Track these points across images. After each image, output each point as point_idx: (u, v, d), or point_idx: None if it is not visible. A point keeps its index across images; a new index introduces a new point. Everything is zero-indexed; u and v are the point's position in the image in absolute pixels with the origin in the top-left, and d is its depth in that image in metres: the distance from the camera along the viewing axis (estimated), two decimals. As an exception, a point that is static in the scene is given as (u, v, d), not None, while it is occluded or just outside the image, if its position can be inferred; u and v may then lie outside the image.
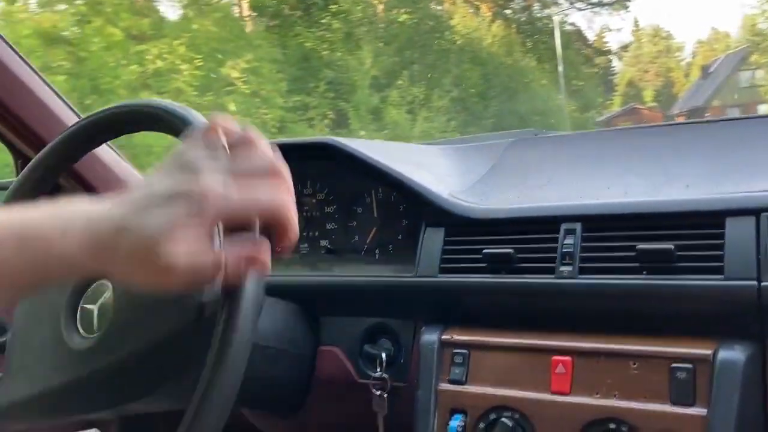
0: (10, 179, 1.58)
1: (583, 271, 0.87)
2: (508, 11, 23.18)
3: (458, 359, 0.94)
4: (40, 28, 9.27)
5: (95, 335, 0.81)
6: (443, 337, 0.96)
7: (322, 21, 14.74)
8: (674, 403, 0.78)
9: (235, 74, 11.10)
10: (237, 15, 12.08)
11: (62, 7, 9.63)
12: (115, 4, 10.11)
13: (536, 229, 0.93)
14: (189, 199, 0.53)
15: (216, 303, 0.72)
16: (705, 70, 32.10)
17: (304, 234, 1.23)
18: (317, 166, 1.21)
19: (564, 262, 0.89)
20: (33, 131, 1.29)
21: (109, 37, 9.72)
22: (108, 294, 0.83)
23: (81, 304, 0.85)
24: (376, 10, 15.94)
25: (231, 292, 0.63)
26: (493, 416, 0.89)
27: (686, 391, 0.78)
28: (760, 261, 0.78)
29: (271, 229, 0.58)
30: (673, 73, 40.04)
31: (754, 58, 30.25)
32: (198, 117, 0.81)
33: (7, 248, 0.57)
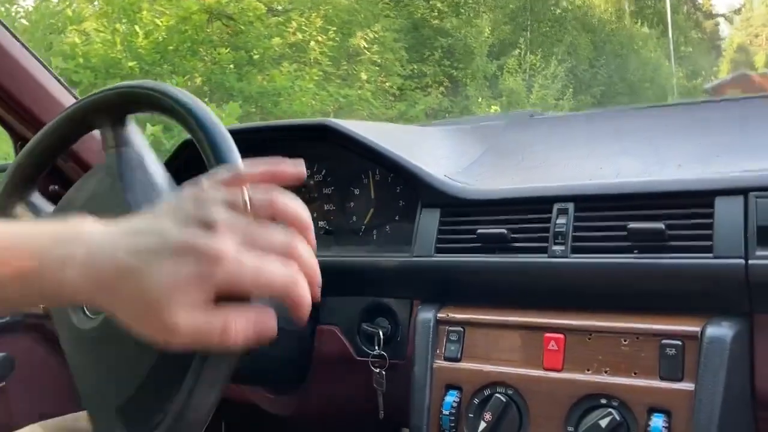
0: (9, 162, 1.59)
1: (575, 250, 0.89)
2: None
3: (453, 337, 0.96)
4: (205, 4, 9.62)
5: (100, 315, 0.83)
6: (439, 315, 0.98)
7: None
8: (663, 378, 0.80)
9: (363, 44, 11.57)
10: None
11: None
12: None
13: (529, 209, 0.95)
14: (200, 257, 0.50)
15: None
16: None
17: (302, 215, 1.24)
18: (315, 147, 1.22)
19: (557, 241, 0.90)
20: (31, 113, 1.30)
21: (255, 11, 10.01)
22: None
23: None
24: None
25: None
26: (487, 392, 0.91)
27: (675, 366, 0.80)
28: (747, 239, 0.79)
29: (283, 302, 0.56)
30: (787, 36, 38.52)
31: None
32: (198, 103, 0.82)
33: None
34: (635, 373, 0.82)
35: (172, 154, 1.27)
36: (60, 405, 1.18)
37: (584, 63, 16.93)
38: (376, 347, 1.06)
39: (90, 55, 8.35)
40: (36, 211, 0.97)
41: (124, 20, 9.12)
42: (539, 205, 0.94)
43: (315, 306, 1.17)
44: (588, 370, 0.85)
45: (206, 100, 8.77)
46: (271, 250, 0.53)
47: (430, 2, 14.62)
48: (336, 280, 1.10)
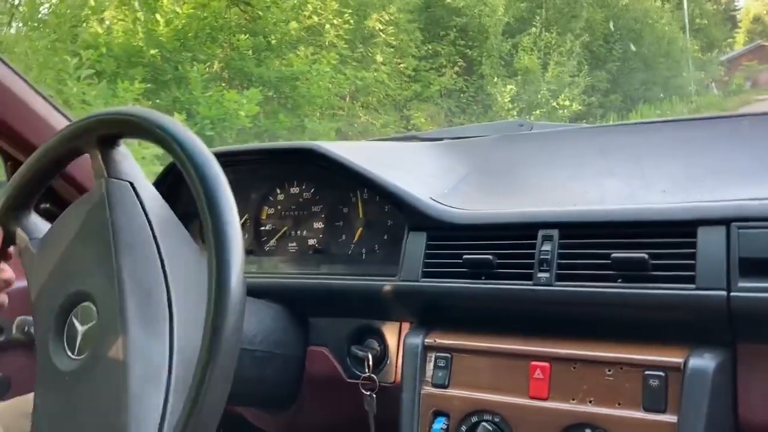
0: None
1: (560, 278, 0.89)
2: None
3: (441, 363, 0.97)
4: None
5: (82, 357, 0.83)
6: (426, 340, 0.99)
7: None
8: (647, 409, 0.81)
9: (378, 26, 11.35)
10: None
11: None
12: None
13: (515, 235, 0.95)
14: None
15: None
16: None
17: (292, 233, 1.24)
18: (304, 166, 1.22)
19: (542, 268, 0.91)
20: (21, 136, 1.30)
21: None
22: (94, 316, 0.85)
23: (68, 324, 0.86)
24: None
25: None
26: (474, 419, 0.92)
27: (658, 398, 0.81)
28: (729, 270, 0.79)
29: None
30: (805, 5, 36.94)
31: None
32: (178, 126, 0.82)
33: None
34: (619, 404, 0.83)
35: (161, 175, 1.27)
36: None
37: (599, 39, 16.63)
38: (366, 370, 1.06)
39: (112, 44, 8.35)
40: (31, 232, 0.97)
41: (144, 8, 9.07)
42: (524, 230, 0.94)
43: (305, 326, 1.18)
44: (573, 400, 0.86)
45: (226, 86, 8.75)
46: None
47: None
48: (325, 302, 1.12)
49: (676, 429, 0.78)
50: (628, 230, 0.87)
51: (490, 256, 0.94)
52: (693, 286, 0.81)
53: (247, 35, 9.53)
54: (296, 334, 1.13)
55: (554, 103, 13.61)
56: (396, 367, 1.04)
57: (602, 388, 0.84)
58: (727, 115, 1.14)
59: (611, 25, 16.89)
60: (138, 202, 0.87)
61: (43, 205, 1.43)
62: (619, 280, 0.86)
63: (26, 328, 1.31)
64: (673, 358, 0.81)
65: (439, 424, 0.94)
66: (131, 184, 0.88)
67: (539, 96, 13.65)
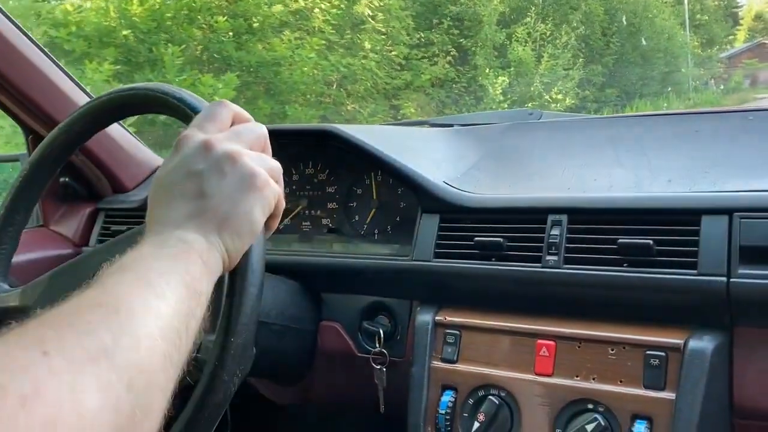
0: (16, 152, 1.63)
1: (567, 261, 0.93)
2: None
3: (450, 339, 1.01)
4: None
5: None
6: (437, 318, 1.03)
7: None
8: (647, 387, 0.85)
9: (368, 12, 11.16)
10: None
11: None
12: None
13: (525, 219, 0.99)
14: (254, 179, 0.62)
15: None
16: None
17: (307, 213, 1.28)
18: (321, 148, 1.25)
19: (550, 251, 0.95)
20: (42, 109, 1.33)
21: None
22: None
23: None
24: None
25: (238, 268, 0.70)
26: (481, 393, 0.96)
27: (658, 376, 0.85)
28: (730, 258, 0.83)
29: None
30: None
31: None
32: (204, 102, 0.86)
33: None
34: (621, 381, 0.87)
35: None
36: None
37: (597, 32, 16.46)
38: (377, 345, 1.11)
39: (83, 23, 8.08)
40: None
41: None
42: (534, 215, 0.98)
43: (318, 301, 1.22)
44: (577, 377, 0.90)
45: (205, 69, 8.48)
46: (263, 148, 0.67)
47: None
48: (338, 279, 1.16)
49: (674, 405, 0.83)
50: (635, 217, 0.91)
51: (500, 239, 0.98)
52: (695, 271, 0.85)
53: (227, 17, 9.15)
54: (309, 310, 1.17)
55: (547, 97, 13.40)
56: (406, 342, 1.08)
57: (605, 366, 0.89)
58: (733, 110, 1.18)
59: (623, 19, 16.56)
60: None
61: (62, 179, 1.47)
62: (625, 265, 0.90)
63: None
64: (674, 339, 0.86)
65: (448, 397, 0.98)
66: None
67: (532, 89, 13.39)
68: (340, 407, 1.32)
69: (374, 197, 1.22)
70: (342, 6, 10.74)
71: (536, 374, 0.93)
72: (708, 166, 0.98)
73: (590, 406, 0.88)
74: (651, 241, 0.88)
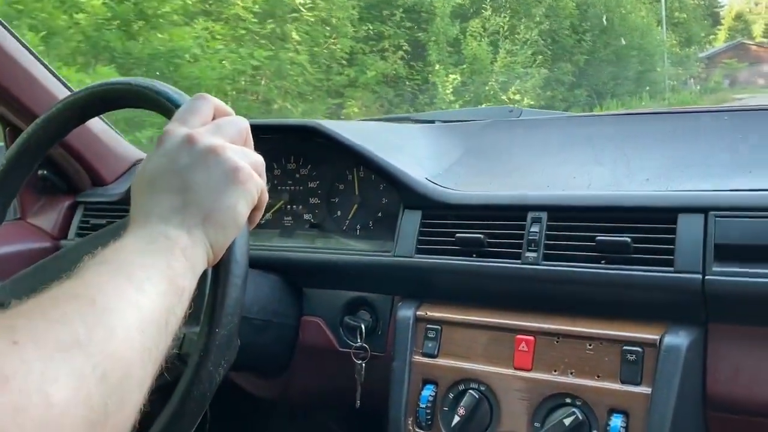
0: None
1: (547, 257, 0.95)
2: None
3: (431, 334, 1.02)
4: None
5: None
6: (418, 313, 1.04)
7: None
8: (623, 382, 0.87)
9: (299, 0, 9.81)
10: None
11: None
12: None
13: (505, 216, 1.00)
14: (237, 173, 0.62)
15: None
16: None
17: (288, 208, 1.29)
18: (303, 143, 1.26)
19: (530, 248, 0.96)
20: (22, 102, 1.32)
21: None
22: None
23: None
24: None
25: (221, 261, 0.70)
26: (461, 387, 0.97)
27: (635, 371, 0.87)
28: (705, 255, 0.85)
29: None
30: (787, 5, 34.70)
31: None
32: (185, 96, 0.86)
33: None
34: (598, 376, 0.89)
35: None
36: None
37: (566, 28, 15.29)
38: (359, 340, 1.12)
39: None
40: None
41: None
42: (514, 212, 0.99)
43: (300, 296, 1.22)
44: (555, 371, 0.92)
45: (91, 61, 6.95)
46: (245, 141, 0.67)
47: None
48: (320, 274, 1.17)
49: (650, 400, 0.85)
50: (613, 215, 0.93)
51: (481, 235, 1.00)
52: (671, 269, 0.87)
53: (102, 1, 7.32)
54: (291, 304, 1.18)
55: (504, 97, 12.30)
56: (387, 337, 1.09)
57: (583, 361, 0.90)
58: (709, 110, 1.20)
59: (603, 19, 15.60)
60: None
61: (40, 172, 1.45)
62: (603, 262, 0.91)
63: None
64: (650, 335, 0.87)
65: (428, 391, 0.99)
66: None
67: (487, 88, 12.34)
68: (321, 401, 1.33)
69: (356, 193, 1.22)
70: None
71: (515, 369, 0.94)
72: (685, 166, 1.00)
73: (568, 400, 0.90)
74: (628, 239, 0.90)
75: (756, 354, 0.84)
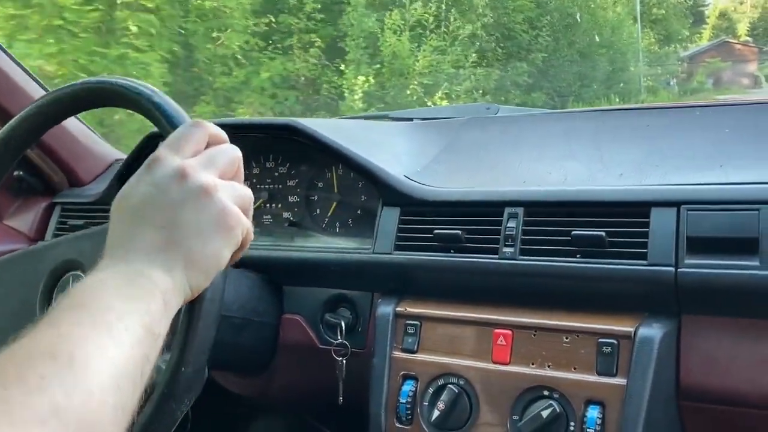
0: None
1: (523, 252, 0.96)
2: None
3: (410, 330, 1.03)
4: None
5: None
6: (397, 309, 1.05)
7: None
8: (599, 373, 0.89)
9: None
10: None
11: None
12: None
13: (482, 212, 1.01)
14: (226, 217, 0.61)
15: None
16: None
17: (267, 206, 1.29)
18: (281, 141, 1.26)
19: (507, 243, 0.97)
20: (-3, 103, 1.31)
21: None
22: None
23: (55, 296, 0.90)
24: None
25: None
26: (440, 382, 0.98)
27: (610, 363, 0.88)
28: (678, 248, 0.87)
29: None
30: (772, 3, 33.66)
31: None
32: (165, 98, 0.85)
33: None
34: (575, 368, 0.90)
35: (139, 146, 1.30)
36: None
37: (520, 22, 13.10)
38: (339, 337, 1.12)
39: None
40: None
41: None
42: (491, 208, 1.00)
43: (280, 295, 1.23)
44: (533, 364, 0.93)
45: None
46: (235, 176, 0.66)
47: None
48: (300, 272, 1.17)
49: (625, 391, 0.86)
50: (588, 209, 0.94)
51: (459, 231, 1.01)
52: (645, 262, 0.88)
53: None
54: (271, 303, 1.18)
55: (429, 103, 9.99)
56: (368, 334, 1.10)
57: (559, 354, 0.92)
58: (682, 105, 1.22)
59: (577, 17, 13.78)
60: None
61: (16, 173, 1.44)
62: (578, 256, 0.93)
63: None
64: (625, 327, 0.89)
65: (408, 386, 1.00)
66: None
67: (408, 91, 10.16)
68: (303, 399, 1.34)
69: (335, 191, 1.23)
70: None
71: (494, 362, 0.96)
72: (658, 160, 1.02)
73: (546, 392, 0.91)
74: (603, 233, 0.91)
75: (727, 344, 0.86)
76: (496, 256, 0.98)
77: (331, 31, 10.28)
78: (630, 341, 0.88)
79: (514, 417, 0.92)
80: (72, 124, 1.41)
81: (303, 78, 9.88)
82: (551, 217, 0.96)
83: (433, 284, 1.05)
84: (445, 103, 10.01)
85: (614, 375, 0.88)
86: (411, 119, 1.45)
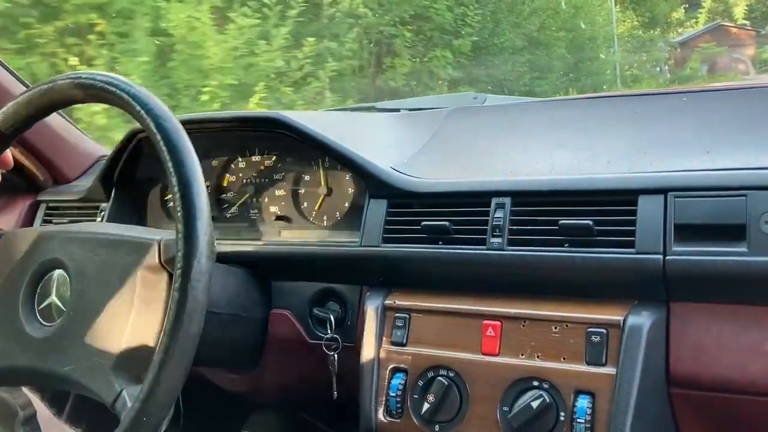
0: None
1: (511, 242, 0.96)
2: None
3: (399, 323, 1.03)
4: None
5: (55, 324, 0.87)
6: (386, 302, 1.04)
7: None
8: (589, 363, 0.88)
9: None
10: None
11: None
12: None
13: (470, 203, 1.00)
14: None
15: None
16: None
17: (254, 200, 1.28)
18: (267, 135, 1.24)
19: (494, 234, 0.97)
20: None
21: None
22: (64, 282, 0.88)
23: (38, 293, 0.89)
24: None
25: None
26: (430, 375, 0.98)
27: (599, 352, 0.88)
28: (666, 236, 0.87)
29: None
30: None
31: None
32: (152, 98, 0.84)
33: None
34: (564, 359, 0.90)
35: (124, 139, 1.28)
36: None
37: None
38: (328, 331, 1.11)
39: None
40: None
41: None
42: (478, 199, 1.00)
43: (268, 290, 1.22)
44: (522, 355, 0.93)
45: None
46: None
47: None
48: (288, 267, 1.16)
49: (614, 380, 0.86)
50: (575, 198, 0.94)
51: (446, 223, 1.00)
52: (633, 250, 0.88)
53: None
54: (259, 298, 1.17)
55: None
56: (357, 327, 1.09)
57: (549, 344, 0.91)
58: (668, 92, 1.21)
59: None
60: None
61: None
62: (566, 245, 0.92)
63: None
64: (614, 316, 0.88)
65: (398, 379, 1.00)
66: None
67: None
68: (296, 394, 1.33)
69: (322, 184, 1.22)
70: None
71: (483, 354, 0.95)
72: (645, 147, 1.01)
73: (535, 383, 0.91)
74: (591, 222, 0.90)
75: (716, 331, 0.86)
76: (484, 246, 0.97)
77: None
78: (619, 330, 0.88)
79: (504, 408, 0.92)
80: (55, 120, 1.40)
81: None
82: (539, 206, 0.96)
83: (421, 276, 1.04)
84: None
85: (604, 364, 0.88)
86: (398, 110, 1.44)
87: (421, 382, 0.98)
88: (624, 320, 0.87)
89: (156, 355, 0.74)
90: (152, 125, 0.82)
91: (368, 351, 1.03)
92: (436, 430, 0.96)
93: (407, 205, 1.05)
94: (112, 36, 4.60)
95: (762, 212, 0.83)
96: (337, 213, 1.21)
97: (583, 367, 0.88)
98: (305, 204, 1.24)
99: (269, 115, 1.16)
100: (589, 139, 1.09)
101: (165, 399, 0.73)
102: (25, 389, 1.04)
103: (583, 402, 0.87)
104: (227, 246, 1.19)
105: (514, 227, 0.96)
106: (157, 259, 0.85)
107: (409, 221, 1.04)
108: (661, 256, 0.86)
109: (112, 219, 1.30)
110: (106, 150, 1.51)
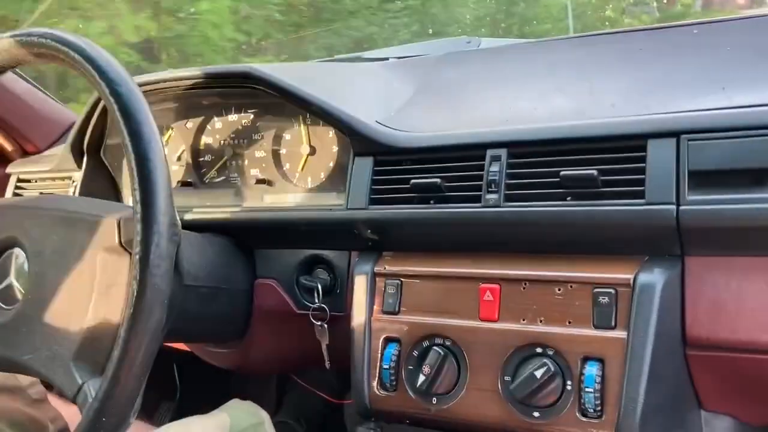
0: None
1: (508, 198, 0.87)
2: None
3: (391, 289, 0.95)
4: None
5: (14, 308, 0.80)
6: (376, 268, 0.97)
7: None
8: (597, 327, 0.81)
9: None
10: None
11: None
12: None
13: (462, 157, 0.92)
14: None
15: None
16: None
17: (233, 163, 1.19)
18: (243, 92, 1.15)
19: (490, 189, 0.88)
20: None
21: None
22: (22, 262, 0.81)
23: None
24: None
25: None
26: (425, 344, 0.91)
27: (608, 315, 0.80)
28: (678, 184, 0.78)
29: None
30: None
31: None
32: (106, 57, 0.76)
33: None
34: (569, 322, 0.82)
35: (89, 108, 1.20)
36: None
37: None
38: (316, 300, 1.04)
39: None
40: None
41: None
42: (472, 152, 0.91)
43: (252, 258, 1.15)
44: (523, 320, 0.85)
45: None
46: None
47: None
48: (271, 233, 1.08)
49: (625, 345, 0.78)
50: (577, 147, 0.85)
51: (438, 180, 0.91)
52: (643, 200, 0.79)
53: None
54: (242, 268, 1.10)
55: None
56: (346, 296, 1.02)
57: (552, 308, 0.84)
58: (677, 25, 1.11)
59: None
60: None
61: (-35, 144, 1.35)
62: (569, 198, 0.84)
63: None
64: (623, 274, 0.80)
65: (391, 350, 0.93)
66: None
67: None
68: (286, 367, 1.27)
69: (304, 142, 1.13)
70: None
71: (481, 320, 0.88)
72: (653, 87, 0.92)
73: (539, 350, 0.83)
74: (595, 172, 0.81)
75: (735, 287, 0.78)
76: (479, 204, 0.88)
77: None
78: (629, 289, 0.80)
79: (506, 378, 0.84)
80: (19, 86, 1.31)
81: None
82: (537, 157, 0.87)
83: (412, 239, 0.96)
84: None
85: (613, 328, 0.80)
86: (386, 59, 1.35)
87: (415, 353, 0.91)
88: (634, 278, 0.79)
89: (114, 350, 0.67)
90: (106, 90, 0.74)
91: (358, 320, 0.96)
92: (434, 402, 0.89)
93: (395, 162, 0.97)
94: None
95: (787, 153, 0.74)
96: (322, 173, 1.12)
97: (591, 331, 0.81)
98: (287, 165, 1.15)
99: (241, 69, 1.06)
100: (591, 81, 0.99)
101: (126, 396, 0.66)
102: (52, 402, 1.00)
103: (592, 369, 0.79)
104: (206, 213, 1.11)
105: (512, 181, 0.87)
106: (116, 240, 0.78)
107: (397, 180, 0.95)
108: (674, 206, 0.77)
109: (84, 190, 1.22)
110: (75, 116, 1.42)
